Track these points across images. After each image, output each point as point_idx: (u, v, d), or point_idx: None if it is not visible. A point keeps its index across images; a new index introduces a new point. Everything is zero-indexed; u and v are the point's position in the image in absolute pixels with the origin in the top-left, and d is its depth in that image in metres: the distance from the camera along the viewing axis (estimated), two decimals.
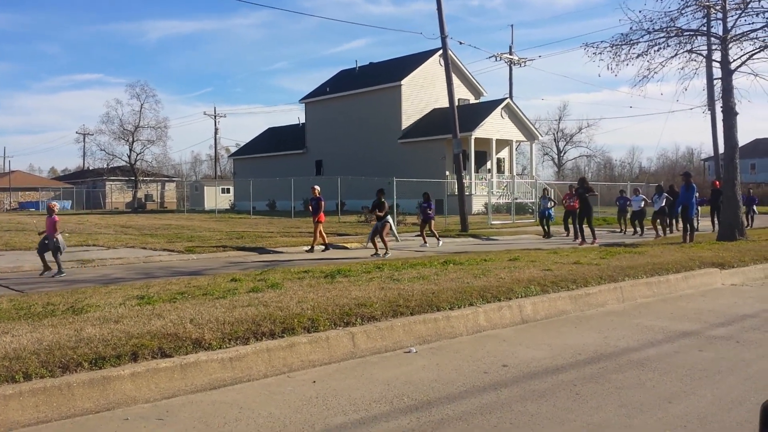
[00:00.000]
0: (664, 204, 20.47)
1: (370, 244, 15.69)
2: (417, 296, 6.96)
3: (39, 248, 11.59)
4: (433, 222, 18.65)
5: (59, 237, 11.44)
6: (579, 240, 17.57)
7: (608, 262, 10.25)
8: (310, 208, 16.64)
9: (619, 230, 23.42)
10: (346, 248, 17.50)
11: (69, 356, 4.52)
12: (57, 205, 12.11)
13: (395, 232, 15.90)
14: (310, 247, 16.38)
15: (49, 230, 11.42)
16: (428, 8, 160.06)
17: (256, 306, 6.36)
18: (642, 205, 22.02)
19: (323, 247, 16.40)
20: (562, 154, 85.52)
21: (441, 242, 18.02)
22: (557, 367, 5.28)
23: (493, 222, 27.57)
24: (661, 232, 20.41)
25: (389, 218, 15.61)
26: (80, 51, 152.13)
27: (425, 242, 17.99)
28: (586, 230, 18.04)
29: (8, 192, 67.82)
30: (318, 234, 16.31)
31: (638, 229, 21.70)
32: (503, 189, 37.54)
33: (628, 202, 22.67)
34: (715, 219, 20.52)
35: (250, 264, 13.00)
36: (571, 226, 19.43)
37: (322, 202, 16.52)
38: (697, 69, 16.59)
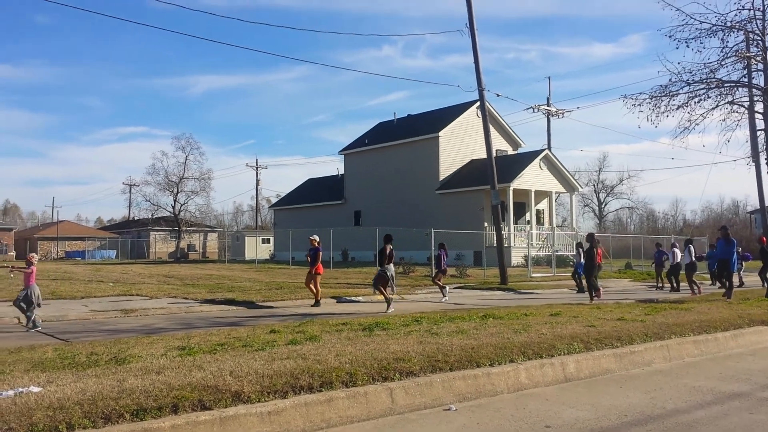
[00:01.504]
0: (694, 258, 19.87)
1: (389, 295, 14.72)
2: (456, 351, 6.86)
3: (16, 300, 11.28)
4: (441, 275, 18.20)
5: (34, 290, 11.10)
6: (595, 296, 15.64)
7: (653, 319, 9.98)
8: (309, 258, 15.79)
9: (658, 285, 22.83)
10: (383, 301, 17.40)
11: (111, 407, 4.58)
12: (35, 257, 11.82)
13: (393, 285, 14.97)
14: (314, 301, 15.56)
15: (25, 282, 11.21)
16: (463, 61, 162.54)
17: (295, 359, 6.37)
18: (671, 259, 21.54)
19: (313, 301, 15.53)
20: (603, 206, 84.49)
21: (447, 297, 17.53)
22: (602, 429, 5.12)
23: (533, 275, 27.17)
24: (696, 289, 19.48)
25: (389, 268, 14.58)
26: (124, 104, 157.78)
27: (444, 295, 17.65)
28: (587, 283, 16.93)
29: (56, 241, 69.99)
30: (315, 285, 15.45)
31: (674, 284, 21.15)
32: (543, 241, 37.15)
33: (665, 256, 22.14)
34: (765, 275, 19.78)
35: (287, 315, 13.05)
36: (601, 281, 18.33)
37: (320, 253, 15.76)
38: (739, 120, 16.45)
